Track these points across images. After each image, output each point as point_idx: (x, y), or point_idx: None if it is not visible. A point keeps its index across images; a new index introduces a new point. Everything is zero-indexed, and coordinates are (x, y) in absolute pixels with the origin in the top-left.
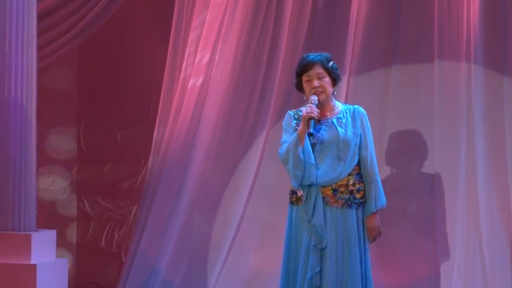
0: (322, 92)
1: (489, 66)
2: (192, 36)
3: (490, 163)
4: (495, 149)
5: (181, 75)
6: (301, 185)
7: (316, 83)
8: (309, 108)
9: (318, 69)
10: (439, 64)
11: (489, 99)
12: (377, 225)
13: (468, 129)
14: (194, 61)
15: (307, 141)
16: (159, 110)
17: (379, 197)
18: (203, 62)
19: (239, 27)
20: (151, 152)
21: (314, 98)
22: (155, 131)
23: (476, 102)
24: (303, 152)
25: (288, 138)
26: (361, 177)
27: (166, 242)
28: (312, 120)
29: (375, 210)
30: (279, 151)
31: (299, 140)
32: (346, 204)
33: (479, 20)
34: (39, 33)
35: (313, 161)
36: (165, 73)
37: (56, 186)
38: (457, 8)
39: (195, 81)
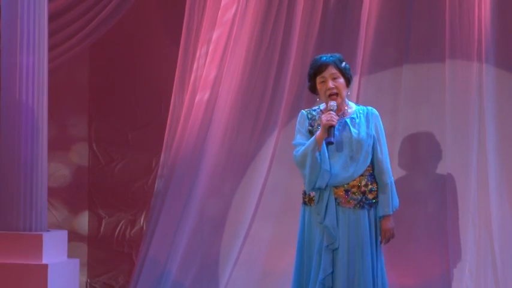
0: (337, 93)
1: (500, 65)
2: (203, 35)
3: (501, 163)
4: (507, 149)
5: (192, 76)
6: (314, 190)
7: (331, 84)
8: (329, 116)
9: (332, 70)
10: (451, 64)
11: (501, 98)
12: (391, 227)
13: (480, 129)
14: (205, 61)
15: (323, 147)
16: (170, 111)
17: (394, 199)
18: (215, 61)
19: (251, 25)
20: (162, 152)
21: (333, 104)
22: (166, 132)
23: (488, 101)
24: (320, 158)
25: (301, 139)
26: (374, 178)
27: (177, 243)
28: (332, 128)
29: (391, 212)
30: (294, 153)
31: (317, 146)
32: (358, 205)
33: (490, 20)
34: (50, 34)
35: (328, 168)
36: (176, 73)
37: (67, 186)
38: (468, 8)
39: (206, 81)
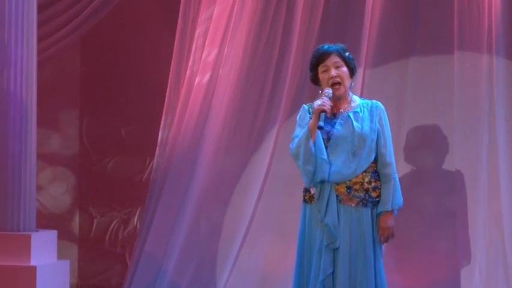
0: (340, 82)
1: None
2: (199, 29)
3: None
4: None
5: (189, 69)
6: (313, 182)
7: (333, 72)
8: (321, 101)
9: (335, 59)
10: (459, 55)
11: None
12: (390, 226)
13: (490, 124)
14: (202, 54)
15: (319, 136)
16: (165, 105)
17: (397, 196)
18: (211, 56)
19: (249, 18)
20: (157, 148)
21: (329, 90)
22: (161, 126)
23: (498, 95)
24: (314, 147)
25: (300, 132)
26: (378, 175)
27: (173, 243)
28: (323, 114)
29: (390, 209)
30: (290, 145)
31: (310, 134)
32: (361, 203)
33: (501, 9)
34: (39, 24)
35: (325, 156)
36: (172, 66)
37: (58, 184)
38: None
39: (203, 75)
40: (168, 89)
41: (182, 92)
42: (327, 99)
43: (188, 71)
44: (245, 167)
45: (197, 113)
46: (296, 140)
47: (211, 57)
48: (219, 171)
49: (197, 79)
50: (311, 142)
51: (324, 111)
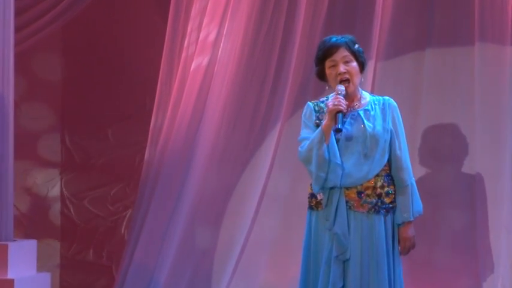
0: (349, 79)
1: None
2: (195, 10)
3: None
4: None
5: (183, 56)
6: (323, 188)
7: (342, 68)
8: (336, 100)
9: (344, 52)
10: (480, 47)
11: None
12: (411, 236)
13: None
14: (198, 39)
15: (332, 139)
16: (156, 99)
17: (416, 203)
18: (208, 40)
19: (250, 2)
20: (147, 148)
21: (341, 88)
22: (152, 123)
23: None
24: (328, 151)
25: (308, 134)
26: (391, 179)
27: (164, 253)
28: (340, 114)
29: (412, 219)
30: (299, 149)
31: (323, 137)
32: (373, 210)
33: None
34: (17, 13)
35: (339, 161)
36: (164, 54)
37: (37, 189)
38: None
39: (199, 63)
40: (159, 83)
41: (175, 84)
42: (342, 97)
43: (183, 55)
44: (243, 170)
45: (191, 110)
46: (307, 142)
47: (208, 40)
48: (214, 175)
49: (193, 64)
50: (324, 146)
51: (340, 111)
